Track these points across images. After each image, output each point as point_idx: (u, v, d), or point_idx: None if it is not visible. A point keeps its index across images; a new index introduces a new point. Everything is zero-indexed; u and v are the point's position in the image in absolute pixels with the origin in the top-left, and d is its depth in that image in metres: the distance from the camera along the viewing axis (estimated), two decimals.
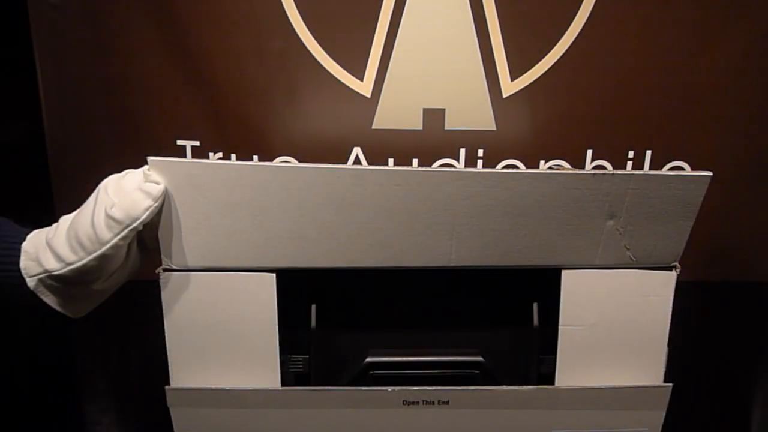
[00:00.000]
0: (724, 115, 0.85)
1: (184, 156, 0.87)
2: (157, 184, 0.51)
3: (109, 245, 0.49)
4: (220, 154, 0.87)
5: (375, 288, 0.61)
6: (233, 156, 0.87)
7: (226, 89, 0.85)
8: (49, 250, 0.49)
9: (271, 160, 0.86)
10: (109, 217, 0.49)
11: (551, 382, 0.62)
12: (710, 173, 0.53)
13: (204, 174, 0.51)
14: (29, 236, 0.51)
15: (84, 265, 0.49)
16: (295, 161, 0.87)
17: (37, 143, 0.87)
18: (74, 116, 0.86)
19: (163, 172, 0.51)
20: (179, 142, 0.87)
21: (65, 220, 0.51)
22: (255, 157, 0.87)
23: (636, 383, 0.59)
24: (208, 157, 0.87)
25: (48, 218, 0.89)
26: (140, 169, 0.53)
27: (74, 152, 0.87)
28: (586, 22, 0.82)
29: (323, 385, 0.61)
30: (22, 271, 0.49)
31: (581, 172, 0.53)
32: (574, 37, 0.83)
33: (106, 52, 0.84)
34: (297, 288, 0.60)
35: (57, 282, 0.50)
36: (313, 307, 0.60)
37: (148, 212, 0.50)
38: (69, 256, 0.49)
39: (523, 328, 0.62)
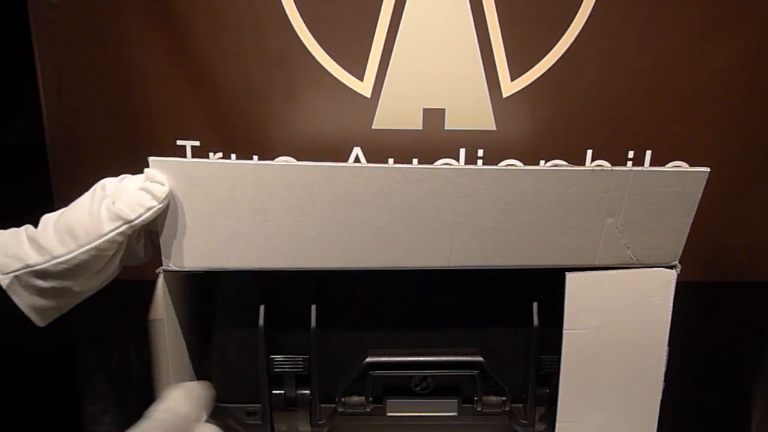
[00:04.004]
0: (724, 115, 0.85)
1: (184, 156, 0.87)
2: (162, 185, 0.50)
3: (105, 238, 0.48)
4: (220, 154, 0.87)
5: (375, 288, 0.61)
6: (233, 156, 0.87)
7: (226, 89, 0.85)
8: (31, 244, 0.47)
9: (272, 160, 0.86)
10: (111, 211, 0.48)
11: (551, 382, 0.62)
12: (708, 169, 0.53)
13: (205, 174, 0.51)
14: None
15: (72, 258, 0.47)
16: (296, 161, 0.87)
17: (37, 143, 0.87)
18: (74, 116, 0.86)
19: (164, 172, 0.51)
20: (179, 142, 0.87)
21: (48, 217, 0.49)
22: (255, 157, 0.87)
23: (636, 384, 0.60)
24: (208, 157, 0.87)
25: None
26: (141, 175, 0.52)
27: (74, 152, 0.87)
28: (586, 22, 0.82)
29: (323, 385, 0.61)
30: None
31: (580, 168, 0.53)
32: (574, 37, 0.83)
33: (107, 51, 0.84)
34: (297, 288, 0.61)
35: (36, 279, 0.47)
36: (313, 307, 0.60)
37: (151, 212, 0.49)
38: (57, 248, 0.47)
39: (523, 328, 0.62)
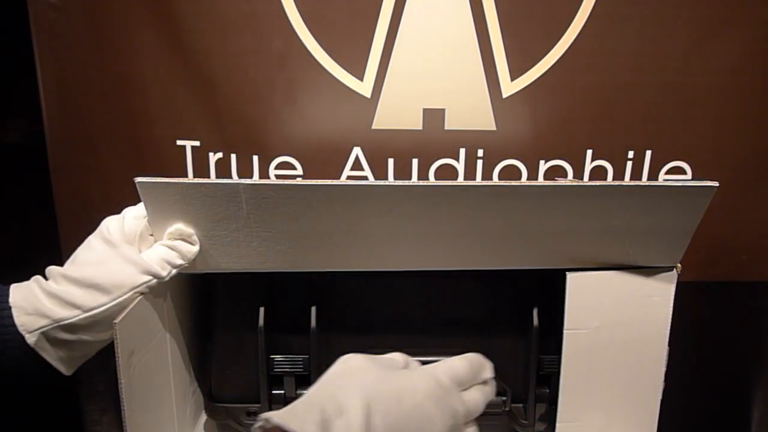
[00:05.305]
0: (724, 115, 0.85)
1: (185, 156, 0.87)
2: (192, 245, 0.52)
3: (137, 290, 0.49)
4: (220, 155, 0.87)
5: (376, 289, 0.61)
6: (233, 156, 0.87)
7: (226, 89, 0.85)
8: (52, 299, 0.47)
9: (271, 161, 0.87)
10: (140, 265, 0.49)
11: (551, 382, 0.62)
12: (716, 183, 0.51)
13: (196, 193, 0.50)
14: (12, 291, 0.48)
15: (106, 310, 0.47)
16: (296, 161, 0.87)
17: (37, 143, 0.87)
18: (74, 116, 0.86)
19: (152, 192, 0.50)
20: (179, 142, 0.87)
21: (60, 270, 0.49)
22: (255, 158, 0.87)
23: (636, 384, 0.59)
24: (208, 157, 0.87)
25: (48, 218, 0.89)
26: (139, 205, 0.52)
27: (74, 152, 0.87)
28: (586, 22, 0.82)
29: None
30: (20, 328, 0.47)
31: (584, 184, 0.52)
32: (574, 37, 0.83)
33: (106, 52, 0.84)
34: (297, 289, 0.61)
35: (63, 332, 0.48)
36: (314, 308, 0.60)
37: (177, 270, 0.51)
38: (87, 302, 0.47)
39: (523, 328, 0.62)
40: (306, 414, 0.35)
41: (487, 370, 0.43)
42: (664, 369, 0.59)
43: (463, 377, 0.41)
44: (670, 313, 0.58)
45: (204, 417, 0.66)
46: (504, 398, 0.62)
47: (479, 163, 0.87)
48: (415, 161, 0.87)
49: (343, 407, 0.35)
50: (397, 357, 0.42)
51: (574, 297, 0.57)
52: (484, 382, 0.42)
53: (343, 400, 0.35)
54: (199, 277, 0.60)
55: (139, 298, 0.49)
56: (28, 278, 0.50)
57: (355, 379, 0.38)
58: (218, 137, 0.87)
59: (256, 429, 0.35)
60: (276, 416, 0.34)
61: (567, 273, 0.56)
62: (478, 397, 0.41)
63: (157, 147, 0.87)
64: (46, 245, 0.86)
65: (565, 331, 0.57)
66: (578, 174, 0.87)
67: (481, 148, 0.87)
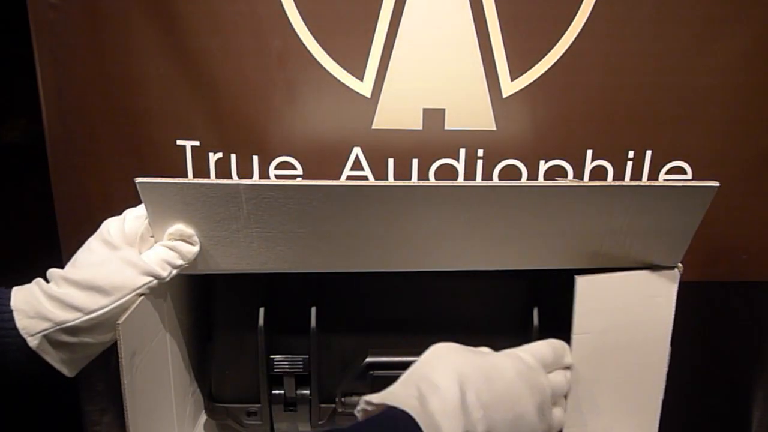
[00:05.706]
0: (725, 115, 0.85)
1: (185, 156, 0.87)
2: (192, 245, 0.52)
3: (137, 292, 0.49)
4: (220, 155, 0.87)
5: (375, 290, 0.61)
6: (233, 156, 0.87)
7: (226, 89, 0.85)
8: (53, 302, 0.47)
9: (271, 161, 0.86)
10: (140, 267, 0.49)
11: None
12: (717, 183, 0.51)
13: (196, 193, 0.50)
14: (14, 294, 0.48)
15: (107, 312, 0.47)
16: (296, 161, 0.87)
17: (37, 143, 0.87)
18: (74, 116, 0.86)
19: (153, 192, 0.50)
20: (179, 142, 0.87)
21: (61, 273, 0.49)
22: (255, 158, 0.87)
23: (639, 384, 0.59)
24: (208, 158, 0.87)
25: (48, 218, 0.89)
26: (140, 207, 0.52)
27: (74, 152, 0.87)
28: (586, 22, 0.82)
29: (323, 385, 0.61)
30: (21, 331, 0.47)
31: (585, 184, 0.52)
32: (574, 37, 0.83)
33: (106, 52, 0.84)
34: (297, 289, 0.61)
35: (65, 335, 0.47)
36: (313, 309, 0.60)
37: (179, 269, 0.51)
38: (88, 305, 0.47)
39: (523, 328, 0.62)
40: (404, 392, 0.38)
41: (569, 355, 0.47)
42: (665, 369, 0.59)
43: (547, 360, 0.44)
44: (673, 312, 0.58)
45: (204, 417, 0.66)
46: None
47: (479, 163, 0.87)
48: (415, 161, 0.87)
49: (437, 385, 0.38)
50: (484, 349, 0.45)
51: (583, 301, 0.56)
52: (567, 367, 0.46)
53: (436, 379, 0.39)
54: (199, 277, 0.60)
55: (141, 299, 0.49)
56: (27, 278, 0.50)
57: (446, 361, 0.41)
58: (218, 137, 0.87)
59: (359, 412, 0.38)
60: (376, 397, 0.38)
61: (576, 277, 0.55)
62: (562, 379, 0.45)
63: (157, 147, 0.87)
64: (46, 245, 0.86)
65: (573, 336, 0.56)
66: (578, 174, 0.87)
67: (481, 148, 0.87)
